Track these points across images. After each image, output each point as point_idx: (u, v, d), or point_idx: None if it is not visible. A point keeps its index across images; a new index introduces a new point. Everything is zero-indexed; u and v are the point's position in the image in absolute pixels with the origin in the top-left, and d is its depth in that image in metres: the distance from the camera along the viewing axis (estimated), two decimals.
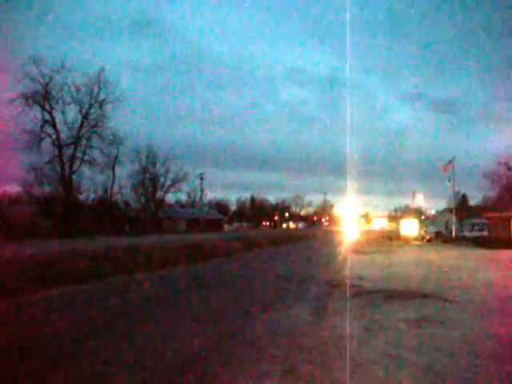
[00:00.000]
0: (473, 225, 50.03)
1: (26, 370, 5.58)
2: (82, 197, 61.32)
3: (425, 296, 10.83)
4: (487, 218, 39.29)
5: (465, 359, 5.78)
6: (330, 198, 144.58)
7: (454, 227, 46.84)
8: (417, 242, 41.82)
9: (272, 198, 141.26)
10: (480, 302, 10.09)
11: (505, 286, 12.76)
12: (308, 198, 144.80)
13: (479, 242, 35.76)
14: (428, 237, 45.43)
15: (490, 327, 7.63)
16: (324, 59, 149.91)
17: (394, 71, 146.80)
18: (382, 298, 10.57)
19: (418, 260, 22.18)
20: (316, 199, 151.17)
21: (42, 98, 53.34)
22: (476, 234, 44.30)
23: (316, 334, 7.20)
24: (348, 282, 13.27)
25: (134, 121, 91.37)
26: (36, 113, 53.20)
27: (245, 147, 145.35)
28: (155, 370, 5.51)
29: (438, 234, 52.42)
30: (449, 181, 47.86)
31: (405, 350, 6.17)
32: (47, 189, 54.95)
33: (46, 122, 54.29)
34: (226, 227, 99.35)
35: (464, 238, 44.78)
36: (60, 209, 52.93)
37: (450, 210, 53.95)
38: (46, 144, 54.34)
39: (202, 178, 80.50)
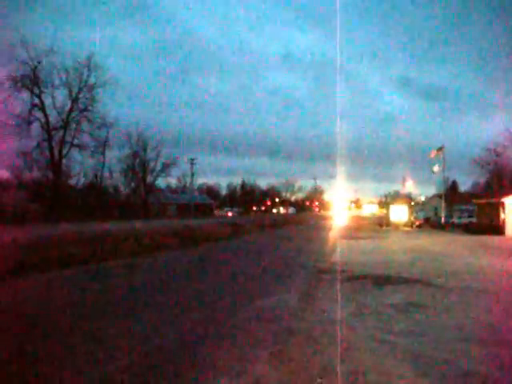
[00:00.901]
0: (462, 211, 50.45)
1: None
2: (71, 181, 60.98)
3: (413, 281, 10.91)
4: (476, 204, 39.61)
5: (451, 343, 5.84)
6: (320, 183, 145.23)
7: (443, 213, 47.22)
8: (406, 228, 42.14)
9: (263, 184, 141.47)
10: (467, 287, 10.16)
11: (492, 273, 12.90)
12: (298, 183, 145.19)
13: (468, 228, 36.12)
14: (418, 223, 45.78)
15: (476, 312, 7.71)
16: (314, 45, 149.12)
17: (384, 57, 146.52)
18: (371, 284, 10.63)
19: (407, 246, 22.33)
20: (306, 185, 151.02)
21: (31, 81, 52.52)
22: (465, 220, 44.72)
23: (305, 319, 7.22)
24: (337, 267, 13.33)
25: (125, 105, 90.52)
26: (25, 96, 52.51)
27: (236, 133, 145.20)
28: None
29: (427, 220, 52.91)
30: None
31: (392, 335, 6.22)
32: (36, 173, 54.51)
33: (35, 105, 53.54)
34: (222, 214, 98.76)
35: (453, 224, 45.20)
36: (49, 193, 52.55)
37: (439, 196, 54.32)
38: (35, 128, 53.72)
39: (192, 163, 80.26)
